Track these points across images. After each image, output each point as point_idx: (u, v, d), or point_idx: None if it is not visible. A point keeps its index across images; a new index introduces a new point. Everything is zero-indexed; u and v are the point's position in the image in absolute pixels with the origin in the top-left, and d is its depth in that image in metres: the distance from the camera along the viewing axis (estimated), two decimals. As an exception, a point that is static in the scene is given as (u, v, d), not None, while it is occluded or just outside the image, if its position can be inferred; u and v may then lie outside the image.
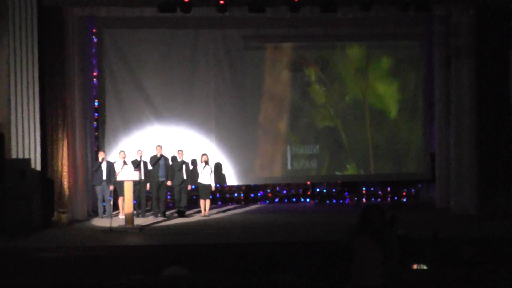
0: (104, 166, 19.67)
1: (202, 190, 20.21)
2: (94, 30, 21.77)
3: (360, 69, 22.26)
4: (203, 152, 20.41)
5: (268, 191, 23.53)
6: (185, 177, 20.10)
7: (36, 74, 18.30)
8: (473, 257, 13.37)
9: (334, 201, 23.43)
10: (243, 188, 23.36)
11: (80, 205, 19.93)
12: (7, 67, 18.25)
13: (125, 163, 19.43)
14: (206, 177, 20.07)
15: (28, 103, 18.20)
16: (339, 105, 22.20)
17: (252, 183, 22.96)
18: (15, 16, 18.14)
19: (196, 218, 20.10)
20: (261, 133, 22.15)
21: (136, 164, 19.63)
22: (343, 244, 8.83)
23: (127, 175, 18.02)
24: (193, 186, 20.90)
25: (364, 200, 23.43)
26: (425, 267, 12.71)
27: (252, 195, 23.44)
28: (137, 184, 19.09)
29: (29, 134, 18.18)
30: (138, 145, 20.63)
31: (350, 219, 9.95)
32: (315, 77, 22.18)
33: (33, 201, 17.79)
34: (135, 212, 19.02)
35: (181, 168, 20.05)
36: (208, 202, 20.33)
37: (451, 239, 14.73)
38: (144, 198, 20.14)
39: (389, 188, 23.50)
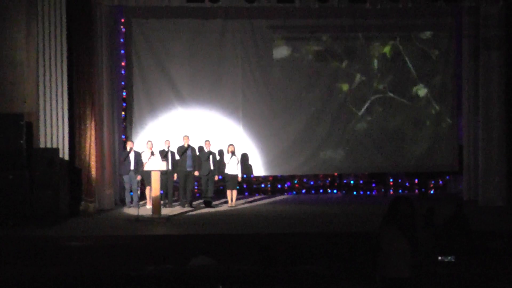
0: (132, 156, 19.72)
1: (229, 181, 20.22)
2: (122, 20, 21.79)
3: (388, 60, 22.13)
4: (230, 143, 20.40)
5: (295, 182, 23.50)
6: (212, 168, 20.13)
7: (65, 64, 18.38)
8: (502, 249, 13.32)
9: (361, 192, 23.37)
10: (270, 178, 23.35)
11: (108, 195, 19.94)
12: (35, 56, 18.34)
13: (152, 153, 19.47)
14: (233, 168, 20.07)
15: (56, 92, 18.28)
16: (367, 96, 22.10)
17: (279, 173, 22.93)
18: (44, 5, 18.22)
19: (223, 208, 20.12)
20: (288, 123, 22.10)
21: (164, 154, 19.67)
22: (371, 235, 8.80)
23: (155, 165, 18.05)
24: (220, 177, 20.88)
25: (391, 191, 23.33)
26: (452, 259, 12.66)
27: (279, 185, 23.41)
28: (164, 174, 19.11)
29: (57, 123, 18.26)
30: (166, 135, 20.67)
31: (377, 210, 9.92)
32: (343, 67, 22.09)
33: (60, 190, 17.85)
34: (162, 202, 19.07)
35: (208, 158, 20.07)
36: (235, 192, 20.34)
37: (480, 230, 14.63)
38: (171, 188, 20.19)
39: (416, 180, 23.38)
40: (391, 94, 22.09)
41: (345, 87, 22.11)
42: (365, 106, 22.12)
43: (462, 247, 13.22)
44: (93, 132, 18.91)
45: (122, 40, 21.88)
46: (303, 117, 22.12)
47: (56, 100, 18.28)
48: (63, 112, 18.34)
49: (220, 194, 21.57)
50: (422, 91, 22.13)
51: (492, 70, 19.91)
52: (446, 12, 21.92)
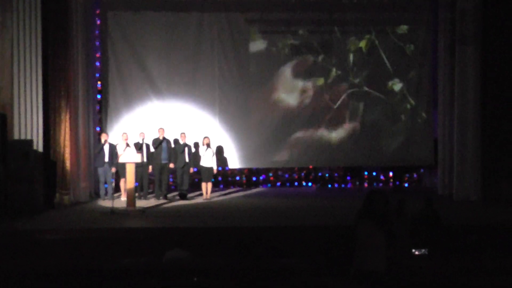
0: (106, 148, 19.62)
1: (204, 173, 20.18)
2: (97, 12, 21.66)
3: (364, 55, 22.17)
4: (205, 135, 20.36)
5: (270, 174, 23.55)
6: (187, 160, 20.09)
7: (39, 55, 18.20)
8: (476, 243, 13.39)
9: (336, 185, 23.45)
10: (245, 171, 23.37)
11: (82, 187, 19.85)
12: (10, 48, 18.14)
13: (127, 145, 19.41)
14: (208, 160, 20.03)
15: (31, 84, 18.10)
16: (342, 89, 22.13)
17: (254, 166, 22.93)
18: (19, -3, 18.08)
19: (197, 201, 20.10)
20: (265, 116, 22.12)
21: (139, 147, 19.61)
22: (346, 228, 8.83)
23: (129, 157, 17.97)
24: (195, 169, 20.85)
25: (365, 184, 23.42)
26: (425, 252, 12.72)
27: (254, 178, 23.44)
28: (139, 167, 19.04)
29: (31, 115, 18.08)
30: (141, 128, 20.62)
31: (352, 203, 9.94)
32: (319, 61, 22.10)
33: (35, 182, 17.73)
34: (137, 194, 19.02)
35: (184, 150, 20.04)
36: (209, 185, 20.31)
37: (454, 225, 14.71)
38: (147, 181, 20.13)
39: (391, 173, 23.47)
40: (367, 89, 22.14)
41: (320, 81, 22.13)
42: (341, 100, 22.15)
43: (434, 241, 13.28)
44: (67, 124, 18.79)
45: (97, 32, 21.75)
46: (279, 111, 22.13)
47: (31, 92, 18.08)
48: (37, 103, 18.14)
49: (195, 186, 21.54)
50: (397, 85, 22.19)
51: (467, 65, 19.95)
52: (423, 7, 22.03)
